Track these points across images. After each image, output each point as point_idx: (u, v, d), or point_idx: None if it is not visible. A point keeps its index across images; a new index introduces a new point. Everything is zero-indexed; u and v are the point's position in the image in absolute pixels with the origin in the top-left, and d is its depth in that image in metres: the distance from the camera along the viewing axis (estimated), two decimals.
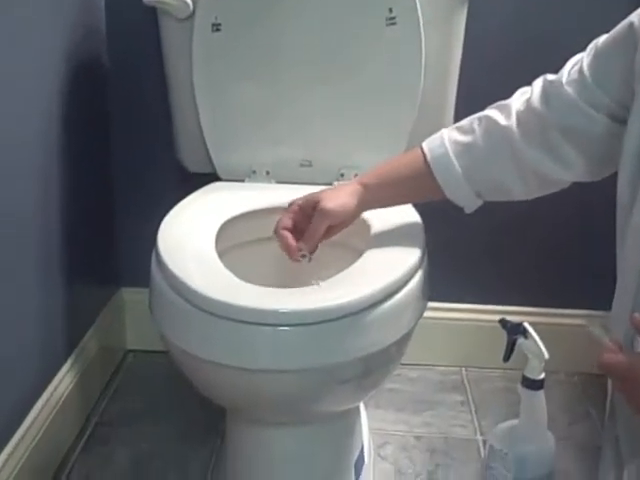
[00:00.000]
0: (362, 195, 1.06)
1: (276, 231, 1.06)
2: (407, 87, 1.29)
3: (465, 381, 1.62)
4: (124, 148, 1.55)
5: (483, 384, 1.61)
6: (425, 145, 1.06)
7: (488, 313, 1.61)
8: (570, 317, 1.62)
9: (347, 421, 1.18)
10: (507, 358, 1.17)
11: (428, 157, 1.04)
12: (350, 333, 0.94)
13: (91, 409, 1.46)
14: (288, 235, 1.05)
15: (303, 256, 1.04)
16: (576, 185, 1.03)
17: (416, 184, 1.06)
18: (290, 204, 1.09)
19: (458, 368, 1.65)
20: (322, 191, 1.08)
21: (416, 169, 1.05)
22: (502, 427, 1.20)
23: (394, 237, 1.10)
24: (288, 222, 1.07)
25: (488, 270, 1.61)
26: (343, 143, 1.33)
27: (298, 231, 1.06)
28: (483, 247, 1.59)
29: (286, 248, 1.05)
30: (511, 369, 1.49)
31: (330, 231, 1.06)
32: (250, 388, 0.96)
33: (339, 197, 1.06)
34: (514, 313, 1.53)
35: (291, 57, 1.29)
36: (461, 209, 1.08)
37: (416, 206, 1.18)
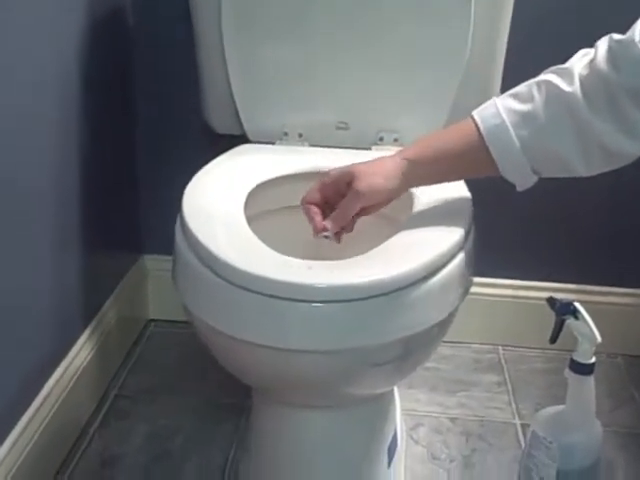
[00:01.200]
0: (405, 172, 0.96)
1: (302, 203, 0.98)
2: (453, 45, 1.20)
3: (502, 360, 1.56)
4: (148, 107, 1.49)
5: (521, 364, 1.55)
6: (476, 115, 0.94)
7: (525, 289, 1.57)
8: (612, 295, 1.56)
9: (381, 403, 1.11)
10: (554, 339, 1.12)
11: (481, 128, 0.93)
12: (391, 312, 0.86)
13: (110, 382, 1.43)
14: (314, 210, 0.96)
15: (326, 237, 0.95)
16: None
17: (466, 159, 0.96)
18: (323, 174, 0.99)
19: (494, 346, 1.59)
20: (360, 165, 0.97)
21: (467, 142, 0.94)
22: (546, 413, 1.15)
23: (439, 210, 1.02)
24: (316, 195, 0.98)
25: (527, 244, 1.55)
26: (382, 105, 1.25)
27: (328, 206, 0.97)
28: (522, 220, 1.52)
29: (312, 224, 0.96)
30: (550, 349, 1.46)
31: (366, 210, 0.97)
32: (280, 369, 0.89)
33: (378, 176, 0.95)
34: (552, 289, 1.49)
35: (328, 10, 1.21)
36: (510, 184, 0.97)
37: None
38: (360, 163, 0.98)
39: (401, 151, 0.99)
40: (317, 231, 0.95)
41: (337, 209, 0.95)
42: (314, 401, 1.00)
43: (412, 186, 0.99)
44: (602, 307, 1.50)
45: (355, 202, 0.95)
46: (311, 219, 0.96)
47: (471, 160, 0.95)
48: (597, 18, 1.31)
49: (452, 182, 1.02)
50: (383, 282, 0.85)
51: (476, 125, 0.93)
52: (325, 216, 0.96)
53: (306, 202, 0.98)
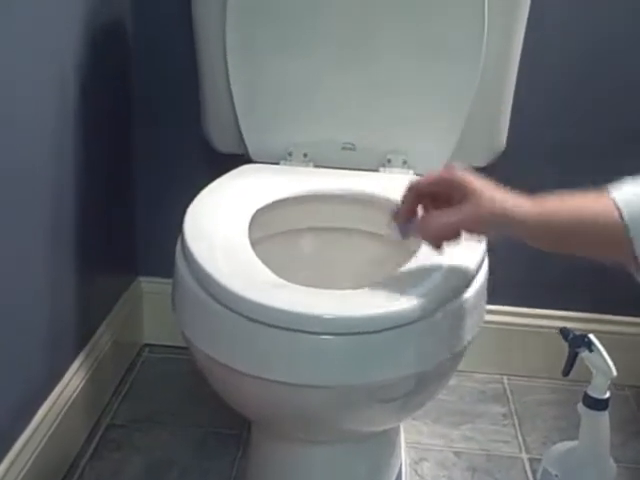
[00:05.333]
0: (533, 226, 0.82)
1: (409, 187, 0.87)
2: (465, 67, 1.17)
3: (507, 391, 1.51)
4: (146, 123, 1.45)
5: (527, 395, 1.50)
6: (619, 197, 0.78)
7: (530, 317, 1.53)
8: (617, 324, 1.52)
9: (386, 438, 1.06)
10: (567, 372, 1.10)
11: (625, 216, 0.77)
12: (404, 345, 0.82)
13: (102, 410, 1.38)
14: (411, 199, 0.86)
15: (398, 227, 0.87)
16: None
17: (595, 241, 0.81)
18: (449, 167, 0.86)
19: (499, 376, 1.54)
20: (491, 189, 0.82)
21: (601, 222, 0.79)
22: (558, 449, 1.12)
23: None
24: (426, 182, 0.85)
25: (533, 271, 1.49)
26: (390, 126, 1.21)
27: (430, 199, 0.86)
28: (527, 246, 1.47)
29: (399, 209, 0.86)
30: (556, 379, 1.41)
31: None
32: (284, 403, 0.85)
33: (501, 206, 0.81)
34: (558, 318, 1.47)
35: (336, 27, 1.18)
36: None
37: None
38: (491, 186, 0.83)
39: (539, 201, 0.82)
40: (397, 217, 0.86)
41: (433, 223, 0.84)
42: (317, 436, 0.95)
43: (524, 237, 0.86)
44: (607, 336, 1.43)
45: (459, 223, 0.83)
46: (401, 204, 0.86)
47: (601, 245, 0.82)
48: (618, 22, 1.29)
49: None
50: (396, 314, 0.81)
51: (618, 209, 0.78)
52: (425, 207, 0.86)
53: (412, 186, 0.86)
